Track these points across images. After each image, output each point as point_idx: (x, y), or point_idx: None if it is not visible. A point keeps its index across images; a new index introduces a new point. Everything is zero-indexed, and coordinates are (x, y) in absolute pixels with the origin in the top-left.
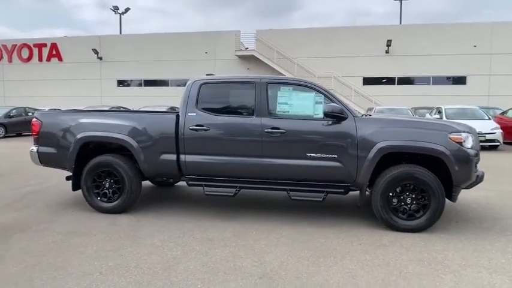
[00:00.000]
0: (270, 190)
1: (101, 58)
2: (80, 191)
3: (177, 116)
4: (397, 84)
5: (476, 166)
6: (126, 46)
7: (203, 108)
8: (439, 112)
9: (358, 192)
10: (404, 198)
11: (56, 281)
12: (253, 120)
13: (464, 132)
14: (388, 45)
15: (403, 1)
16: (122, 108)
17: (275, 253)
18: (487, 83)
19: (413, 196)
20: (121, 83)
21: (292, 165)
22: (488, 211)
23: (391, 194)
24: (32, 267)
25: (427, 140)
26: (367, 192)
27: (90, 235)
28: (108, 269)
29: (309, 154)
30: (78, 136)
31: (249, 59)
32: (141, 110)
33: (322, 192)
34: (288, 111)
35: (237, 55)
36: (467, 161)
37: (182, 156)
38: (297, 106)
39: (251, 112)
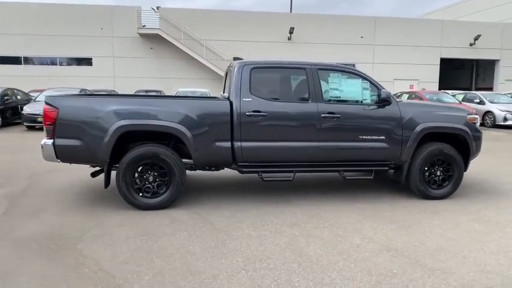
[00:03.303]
0: (324, 172)
1: None
2: (70, 188)
3: (230, 102)
4: None
5: None
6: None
7: (258, 94)
8: None
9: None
10: (434, 171)
11: (206, 285)
12: (310, 105)
13: (475, 114)
14: (291, 33)
15: None
16: (15, 91)
17: (366, 229)
18: (370, 70)
19: (441, 169)
20: None
21: (347, 147)
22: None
23: (426, 168)
24: (157, 275)
25: (455, 121)
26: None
27: (171, 235)
28: (247, 264)
29: (361, 136)
30: (118, 124)
31: (153, 38)
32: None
33: (371, 171)
34: (340, 97)
35: (139, 33)
36: (479, 137)
37: (237, 143)
38: (347, 92)
39: (306, 98)
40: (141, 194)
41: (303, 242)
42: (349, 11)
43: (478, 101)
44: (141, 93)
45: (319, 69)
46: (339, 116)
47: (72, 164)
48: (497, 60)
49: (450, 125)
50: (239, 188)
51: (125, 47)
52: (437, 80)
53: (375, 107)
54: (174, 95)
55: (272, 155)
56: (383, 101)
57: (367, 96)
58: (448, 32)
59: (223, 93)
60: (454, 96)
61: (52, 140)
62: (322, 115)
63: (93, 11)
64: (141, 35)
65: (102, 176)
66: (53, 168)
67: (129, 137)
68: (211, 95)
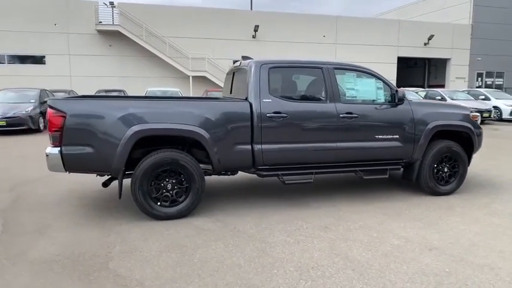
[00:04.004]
0: (341, 173)
1: None
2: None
3: (249, 103)
4: None
5: None
6: None
7: (276, 94)
8: None
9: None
10: (442, 168)
11: None
12: (329, 105)
13: (476, 112)
14: (256, 31)
15: None
16: None
17: (396, 229)
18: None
19: (448, 165)
20: None
21: (364, 147)
22: None
23: (435, 165)
24: None
25: (461, 119)
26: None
27: (206, 246)
28: (302, 274)
29: (377, 136)
30: (134, 129)
31: (113, 35)
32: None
33: (385, 170)
34: (356, 97)
35: (97, 29)
36: (480, 134)
37: (257, 146)
38: (363, 91)
39: (324, 97)
40: (159, 203)
41: (343, 245)
42: (301, 9)
43: (439, 98)
44: (102, 93)
45: (335, 68)
46: (356, 116)
47: (57, 173)
48: (449, 59)
49: (457, 123)
50: (251, 192)
51: (81, 44)
52: (395, 78)
53: (389, 106)
54: (144, 95)
55: (292, 157)
56: (399, 100)
57: (381, 95)
58: (404, 32)
59: (231, 93)
60: (417, 93)
61: (59, 148)
62: (341, 115)
63: (45, 4)
64: (100, 31)
65: (93, 185)
66: (35, 178)
67: (139, 143)
68: (182, 94)
